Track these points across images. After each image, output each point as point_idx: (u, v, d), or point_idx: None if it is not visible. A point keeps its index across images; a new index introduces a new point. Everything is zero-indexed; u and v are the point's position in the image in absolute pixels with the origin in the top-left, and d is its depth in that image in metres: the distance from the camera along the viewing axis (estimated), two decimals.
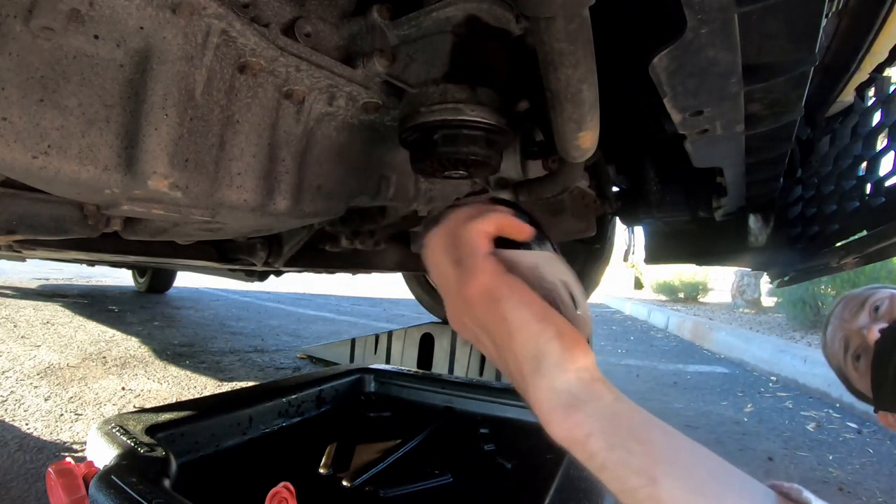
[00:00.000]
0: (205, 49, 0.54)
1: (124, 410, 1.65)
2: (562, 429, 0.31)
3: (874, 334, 0.85)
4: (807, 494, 0.32)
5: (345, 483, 0.78)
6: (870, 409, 0.89)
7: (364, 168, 0.80)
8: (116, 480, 0.58)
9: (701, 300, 7.86)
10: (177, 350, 2.56)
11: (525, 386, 0.34)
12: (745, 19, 0.47)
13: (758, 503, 0.29)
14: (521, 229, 0.37)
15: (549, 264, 0.36)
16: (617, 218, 1.55)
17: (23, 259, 1.42)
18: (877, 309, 0.90)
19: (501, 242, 0.37)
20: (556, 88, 0.54)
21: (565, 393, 0.32)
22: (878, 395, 0.84)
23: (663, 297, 8.17)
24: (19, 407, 1.60)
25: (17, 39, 0.44)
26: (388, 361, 2.35)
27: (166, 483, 0.60)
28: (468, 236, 0.36)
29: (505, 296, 0.34)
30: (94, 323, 3.09)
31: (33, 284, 4.85)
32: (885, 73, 0.86)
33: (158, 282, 4.87)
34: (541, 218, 0.38)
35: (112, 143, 0.51)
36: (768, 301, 6.37)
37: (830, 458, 1.70)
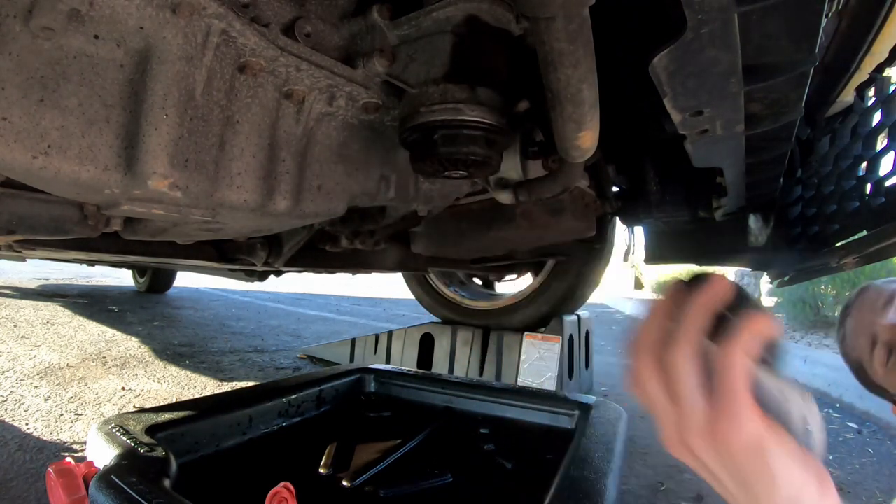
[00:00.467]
0: (205, 49, 0.54)
1: (124, 410, 1.65)
2: None
3: None
4: None
5: (345, 483, 0.78)
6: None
7: (364, 168, 0.80)
8: (116, 480, 0.58)
9: None
10: (177, 350, 2.56)
11: None
12: (745, 19, 0.47)
13: None
14: (773, 330, 0.34)
15: (792, 393, 0.34)
16: (617, 218, 1.55)
17: (23, 259, 1.42)
18: None
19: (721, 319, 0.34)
20: (556, 88, 0.54)
21: None
22: None
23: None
24: (19, 407, 1.60)
25: (17, 39, 0.44)
26: (388, 361, 2.35)
27: (166, 483, 0.60)
28: (730, 366, 0.32)
29: (772, 448, 0.31)
30: (94, 323, 3.09)
31: (33, 284, 4.85)
32: (885, 73, 0.86)
33: (158, 282, 4.87)
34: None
35: (112, 143, 0.51)
36: (768, 301, 6.37)
37: (830, 458, 1.70)
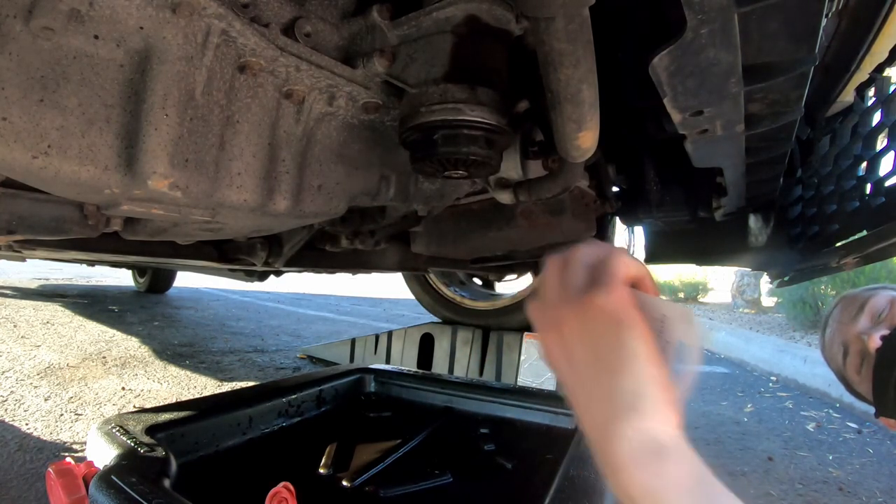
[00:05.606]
0: (205, 49, 0.54)
1: (124, 410, 1.65)
2: (645, 473, 0.30)
3: (875, 341, 0.84)
4: None
5: (345, 483, 0.78)
6: (870, 409, 0.89)
7: (364, 168, 0.80)
8: (116, 480, 0.58)
9: (701, 300, 7.86)
10: (177, 350, 2.56)
11: (611, 420, 0.32)
12: (745, 19, 0.47)
13: None
14: (655, 289, 0.38)
15: (678, 322, 0.35)
16: (617, 218, 1.55)
17: (23, 259, 1.42)
18: (879, 315, 0.89)
19: None
20: (556, 88, 0.54)
21: (655, 440, 0.31)
22: (879, 402, 0.84)
23: (663, 297, 8.15)
24: (19, 407, 1.60)
25: (17, 39, 0.44)
26: (388, 361, 2.35)
27: (166, 483, 0.60)
28: (616, 263, 0.35)
29: (632, 324, 0.33)
30: (94, 323, 3.09)
31: (33, 284, 4.85)
32: (885, 73, 0.86)
33: (158, 282, 4.87)
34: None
35: (112, 143, 0.51)
36: (768, 301, 6.37)
37: (830, 458, 1.70)
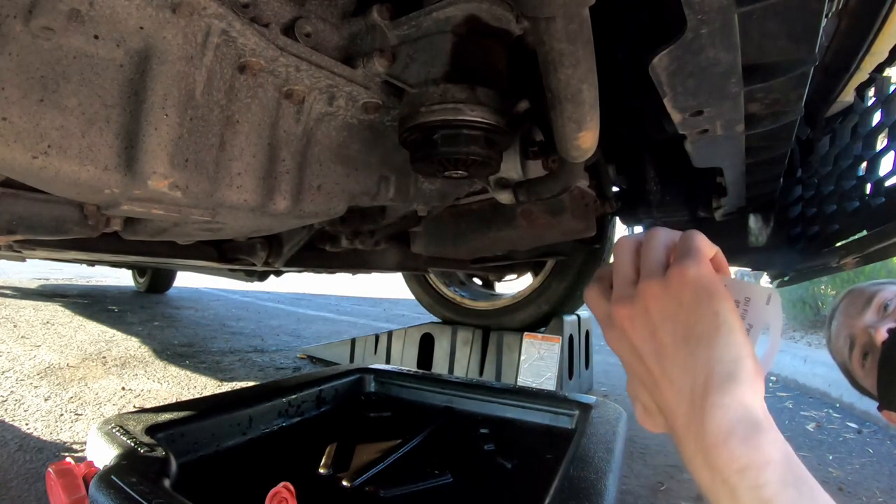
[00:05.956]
0: (205, 49, 0.54)
1: (124, 410, 1.65)
2: (744, 446, 0.29)
3: (882, 334, 0.85)
4: None
5: (345, 483, 0.78)
6: (871, 408, 0.89)
7: (364, 168, 0.80)
8: (116, 480, 0.58)
9: None
10: (177, 350, 2.56)
11: (707, 391, 0.30)
12: (745, 19, 0.47)
13: None
14: (728, 270, 0.37)
15: (762, 304, 0.34)
16: (617, 218, 1.55)
17: (23, 259, 1.42)
18: (885, 307, 0.90)
19: None
20: (556, 88, 0.54)
21: (752, 412, 0.29)
22: (884, 395, 0.84)
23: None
24: (19, 407, 1.60)
25: (17, 39, 0.44)
26: (388, 361, 2.35)
27: (166, 483, 0.60)
28: (699, 240, 0.34)
29: (722, 296, 0.32)
30: (94, 323, 3.09)
31: (33, 284, 4.86)
32: (885, 73, 0.86)
33: (158, 282, 4.87)
34: None
35: (112, 143, 0.51)
36: None
37: (830, 458, 1.70)
